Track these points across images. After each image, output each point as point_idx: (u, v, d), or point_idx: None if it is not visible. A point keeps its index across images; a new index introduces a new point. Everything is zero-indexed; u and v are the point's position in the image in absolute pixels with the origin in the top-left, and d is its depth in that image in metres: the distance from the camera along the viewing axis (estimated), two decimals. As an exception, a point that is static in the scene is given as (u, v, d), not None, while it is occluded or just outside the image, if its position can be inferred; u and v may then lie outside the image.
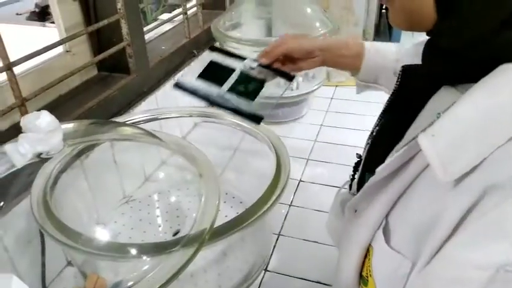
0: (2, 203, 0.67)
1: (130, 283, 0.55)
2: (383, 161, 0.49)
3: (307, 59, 0.74)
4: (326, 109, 1.60)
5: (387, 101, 0.55)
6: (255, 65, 0.74)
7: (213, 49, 0.80)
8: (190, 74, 0.73)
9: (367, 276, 0.48)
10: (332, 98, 1.66)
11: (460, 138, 0.36)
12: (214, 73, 0.77)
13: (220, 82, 0.73)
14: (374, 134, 0.57)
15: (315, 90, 1.46)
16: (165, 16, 1.65)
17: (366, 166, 0.58)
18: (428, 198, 0.40)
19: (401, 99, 0.52)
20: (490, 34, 0.37)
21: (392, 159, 0.43)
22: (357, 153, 0.64)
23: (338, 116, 1.54)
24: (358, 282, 0.51)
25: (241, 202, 0.98)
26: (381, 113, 0.56)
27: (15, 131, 0.86)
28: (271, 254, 0.99)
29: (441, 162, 0.36)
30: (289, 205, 1.15)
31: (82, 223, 0.84)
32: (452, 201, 0.36)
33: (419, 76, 0.47)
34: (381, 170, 0.44)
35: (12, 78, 0.80)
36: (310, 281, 0.93)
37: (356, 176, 0.62)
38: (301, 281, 0.93)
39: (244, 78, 0.74)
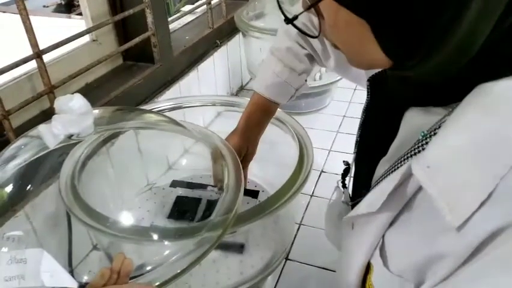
0: (29, 186, 0.69)
1: (152, 266, 0.56)
2: (371, 173, 0.48)
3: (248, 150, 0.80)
4: (349, 100, 1.58)
5: (363, 112, 0.54)
6: (216, 190, 0.80)
7: (175, 184, 0.89)
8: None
9: None
10: (355, 89, 1.64)
11: (459, 170, 0.33)
12: (183, 209, 0.85)
13: (191, 217, 0.80)
14: (358, 143, 0.55)
15: (338, 80, 1.45)
16: (188, 8, 1.66)
17: (356, 176, 0.57)
18: (430, 230, 0.37)
19: (375, 110, 0.51)
20: (455, 71, 0.35)
21: (385, 186, 0.40)
22: (344, 161, 0.63)
23: (362, 107, 1.52)
24: None
25: (263, 191, 0.99)
26: (361, 123, 0.54)
27: (44, 118, 0.89)
28: (293, 243, 0.99)
29: (446, 202, 0.33)
30: (311, 195, 1.15)
31: (107, 207, 0.86)
32: (459, 240, 0.33)
33: (389, 91, 0.45)
34: (374, 202, 0.41)
35: (42, 65, 0.82)
36: (331, 270, 0.93)
37: (347, 182, 0.62)
38: (322, 271, 0.93)
39: (211, 205, 0.80)
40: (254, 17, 1.51)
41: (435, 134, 0.36)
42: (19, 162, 0.58)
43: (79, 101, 0.50)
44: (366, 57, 0.38)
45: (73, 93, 0.53)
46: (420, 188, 0.38)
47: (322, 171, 1.24)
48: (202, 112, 1.03)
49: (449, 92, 0.37)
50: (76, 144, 0.74)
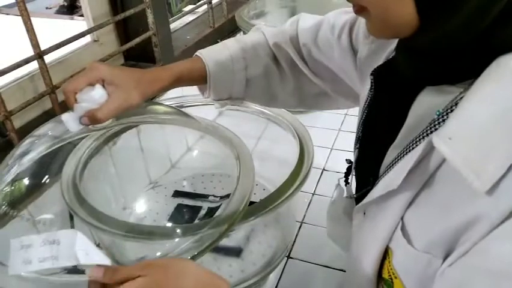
0: (46, 177, 0.70)
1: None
2: (378, 163, 0.47)
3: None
4: (350, 98, 1.58)
5: (365, 108, 0.53)
6: (217, 199, 0.80)
7: (177, 194, 0.92)
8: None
9: (391, 278, 0.45)
10: (356, 87, 1.63)
11: (482, 138, 0.33)
12: (183, 214, 0.87)
13: (191, 222, 0.81)
14: (361, 138, 0.55)
15: (339, 79, 1.44)
16: (189, 7, 1.66)
17: (361, 171, 0.57)
18: (456, 201, 0.37)
19: (380, 102, 0.50)
20: (481, 36, 0.35)
21: (404, 164, 0.40)
22: (346, 159, 0.63)
23: (363, 105, 1.52)
24: (376, 286, 0.48)
25: (264, 189, 0.99)
26: (364, 118, 0.53)
27: (46, 118, 0.89)
28: (294, 242, 0.99)
29: (471, 169, 0.33)
30: (313, 194, 1.15)
31: (109, 207, 0.86)
32: (490, 205, 0.33)
33: (398, 79, 0.44)
34: (393, 181, 0.41)
35: (43, 66, 0.83)
36: (333, 268, 0.93)
37: (350, 180, 0.61)
38: (324, 269, 0.93)
39: (213, 212, 0.81)
40: (255, 16, 1.51)
41: (452, 111, 0.36)
42: (32, 156, 0.60)
43: (99, 91, 0.54)
44: (394, 14, 0.37)
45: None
46: (440, 165, 0.38)
47: (324, 170, 1.24)
48: (204, 111, 1.03)
49: (464, 68, 0.37)
50: (96, 132, 0.76)
